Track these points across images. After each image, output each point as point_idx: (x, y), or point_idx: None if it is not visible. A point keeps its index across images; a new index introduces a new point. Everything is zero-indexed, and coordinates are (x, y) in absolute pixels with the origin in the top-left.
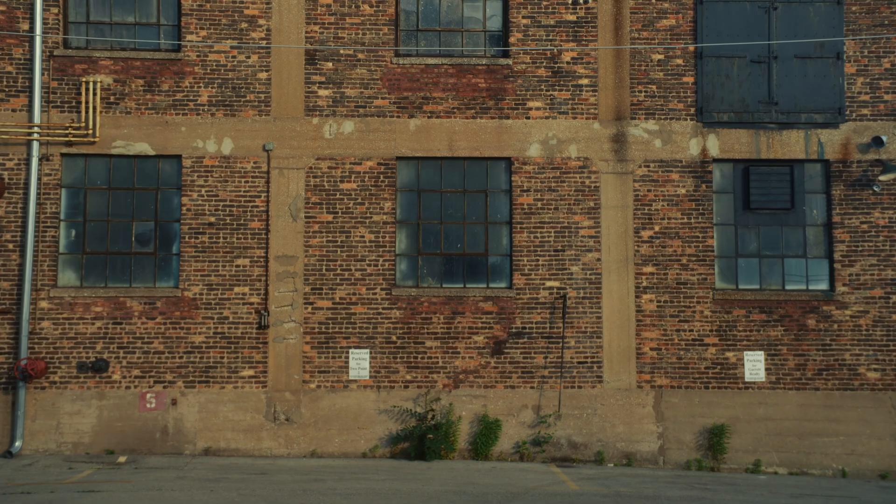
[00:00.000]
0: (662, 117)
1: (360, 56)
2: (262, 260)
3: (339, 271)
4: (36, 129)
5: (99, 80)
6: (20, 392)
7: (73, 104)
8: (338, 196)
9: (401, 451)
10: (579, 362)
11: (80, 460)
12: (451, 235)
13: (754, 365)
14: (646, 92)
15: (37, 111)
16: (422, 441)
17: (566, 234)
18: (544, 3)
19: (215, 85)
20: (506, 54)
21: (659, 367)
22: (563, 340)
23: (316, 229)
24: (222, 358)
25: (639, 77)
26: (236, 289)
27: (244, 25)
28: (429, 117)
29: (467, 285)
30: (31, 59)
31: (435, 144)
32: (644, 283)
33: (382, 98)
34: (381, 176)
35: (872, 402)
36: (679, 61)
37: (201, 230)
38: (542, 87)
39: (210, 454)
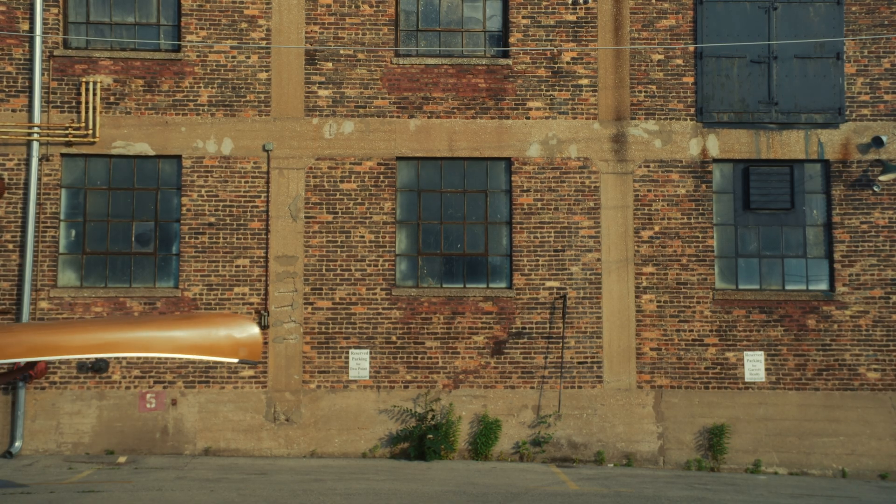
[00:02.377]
0: (662, 117)
1: (360, 56)
2: (262, 260)
3: (339, 271)
4: (36, 129)
5: (99, 80)
6: (20, 392)
7: (73, 104)
8: (338, 196)
9: (401, 451)
10: (579, 362)
11: (80, 460)
12: (451, 235)
13: (754, 365)
14: (646, 92)
15: (37, 111)
16: (422, 441)
17: (566, 234)
18: (544, 3)
19: (215, 85)
20: (506, 54)
21: (659, 367)
22: (563, 340)
23: (316, 229)
24: None
25: (639, 77)
26: (236, 289)
27: (244, 25)
28: (429, 117)
29: (467, 285)
30: (31, 60)
31: (435, 144)
32: (644, 283)
33: (382, 98)
34: (381, 176)
35: (872, 402)
36: (679, 61)
37: (201, 230)
38: (542, 87)
39: (210, 454)
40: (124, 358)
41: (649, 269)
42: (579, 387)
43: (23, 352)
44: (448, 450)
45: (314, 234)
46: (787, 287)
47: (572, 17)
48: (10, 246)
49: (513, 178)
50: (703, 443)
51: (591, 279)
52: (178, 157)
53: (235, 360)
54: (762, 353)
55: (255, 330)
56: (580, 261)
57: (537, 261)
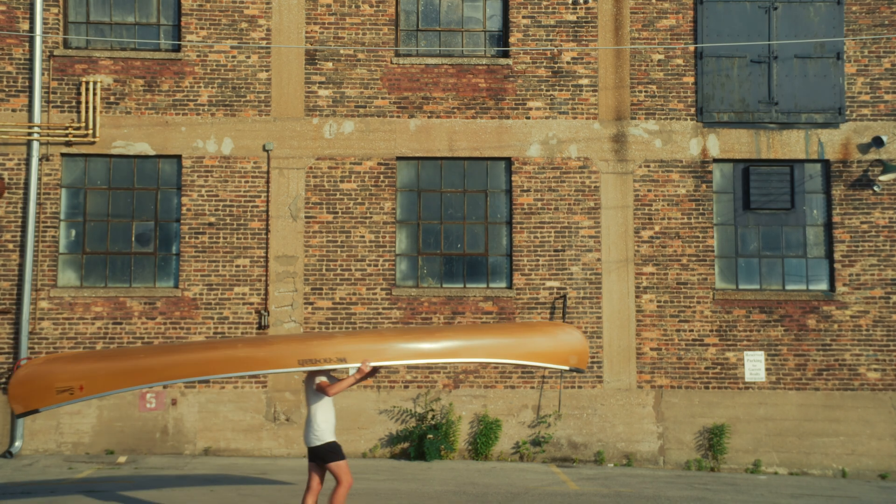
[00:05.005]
0: (662, 117)
1: (360, 56)
2: (262, 260)
3: (339, 271)
4: (36, 129)
5: (99, 80)
6: None
7: (73, 104)
8: (338, 196)
9: (401, 451)
10: None
11: (80, 460)
12: (451, 235)
13: (754, 365)
14: (646, 92)
15: (37, 111)
16: (422, 441)
17: (566, 234)
18: (544, 3)
19: (215, 85)
20: (506, 54)
21: (659, 367)
22: None
23: (316, 229)
24: None
25: (639, 77)
26: (236, 289)
27: (244, 25)
28: (429, 117)
29: (467, 285)
30: (31, 59)
31: (435, 144)
32: (644, 283)
33: (382, 98)
34: (381, 176)
35: (872, 402)
36: (679, 61)
37: (201, 230)
38: (542, 87)
39: (210, 454)
40: (468, 363)
41: (649, 269)
42: (579, 387)
43: (389, 356)
44: (448, 450)
45: (314, 233)
46: (788, 287)
47: (572, 17)
48: (10, 246)
49: (513, 178)
50: (703, 443)
51: (591, 279)
52: (178, 157)
53: (566, 368)
54: (762, 353)
55: (582, 338)
56: (580, 261)
57: (537, 261)
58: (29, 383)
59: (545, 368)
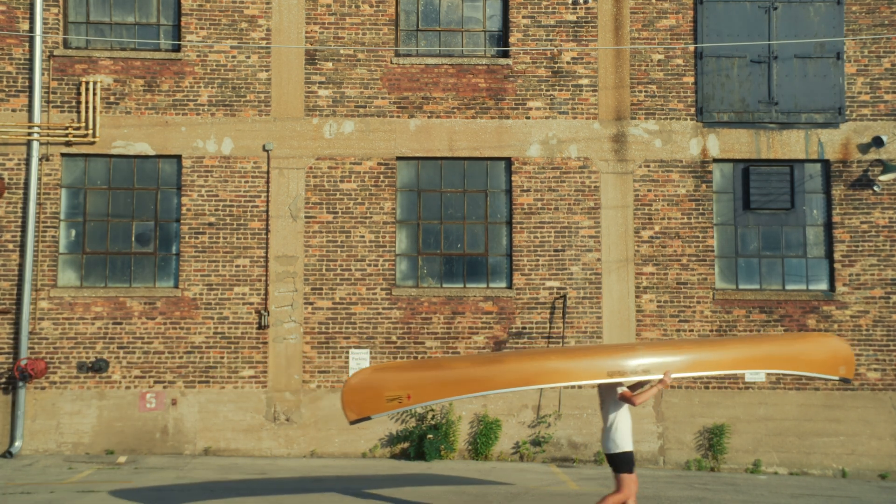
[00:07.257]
0: (662, 117)
1: (360, 56)
2: (262, 260)
3: (339, 271)
4: (36, 129)
5: (99, 80)
6: (20, 392)
7: (73, 104)
8: (338, 196)
9: (400, 451)
10: None
11: (80, 460)
12: (451, 235)
13: None
14: (646, 92)
15: (37, 111)
16: (421, 441)
17: (566, 234)
18: (544, 3)
19: (215, 85)
20: (506, 54)
21: None
22: (564, 340)
23: (316, 229)
24: (222, 358)
25: (639, 77)
26: (236, 289)
27: (244, 25)
28: (429, 117)
29: (467, 285)
30: (31, 59)
31: (435, 144)
32: (644, 283)
33: (382, 98)
34: (381, 176)
35: (872, 402)
36: (679, 61)
37: (201, 230)
38: (542, 87)
39: (210, 454)
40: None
41: (649, 268)
42: (579, 387)
43: (687, 368)
44: (448, 450)
45: (314, 233)
46: (788, 287)
47: (572, 17)
48: (10, 246)
49: (513, 178)
50: (703, 443)
51: (591, 279)
52: (178, 157)
53: (836, 378)
54: None
55: (848, 347)
56: (580, 261)
57: (537, 261)
58: (362, 391)
59: (817, 379)
